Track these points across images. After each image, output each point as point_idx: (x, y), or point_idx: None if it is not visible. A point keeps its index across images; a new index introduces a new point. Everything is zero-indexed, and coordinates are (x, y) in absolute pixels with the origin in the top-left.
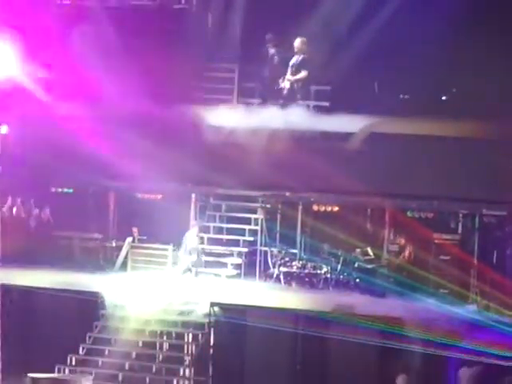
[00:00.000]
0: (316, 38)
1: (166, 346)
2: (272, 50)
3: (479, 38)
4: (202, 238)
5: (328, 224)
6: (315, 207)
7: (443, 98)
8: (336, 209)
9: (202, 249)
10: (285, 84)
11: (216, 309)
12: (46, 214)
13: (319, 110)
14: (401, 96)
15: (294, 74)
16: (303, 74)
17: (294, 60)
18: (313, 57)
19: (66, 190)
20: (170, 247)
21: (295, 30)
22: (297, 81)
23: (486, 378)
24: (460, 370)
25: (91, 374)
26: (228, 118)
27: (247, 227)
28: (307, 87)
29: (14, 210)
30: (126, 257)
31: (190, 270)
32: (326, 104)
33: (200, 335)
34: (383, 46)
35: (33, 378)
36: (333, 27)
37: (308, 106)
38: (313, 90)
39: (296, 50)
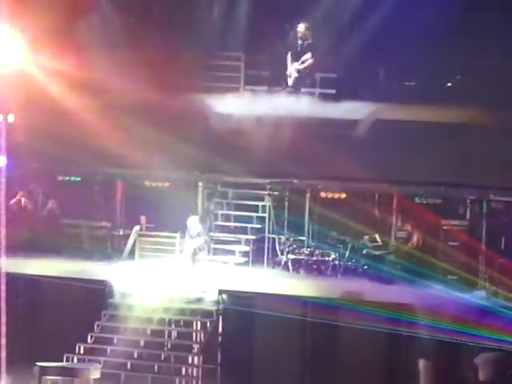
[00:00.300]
0: (321, 24)
1: (174, 333)
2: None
3: (482, 23)
4: (205, 222)
5: (336, 211)
6: (323, 194)
7: (448, 84)
8: (344, 196)
9: (207, 233)
10: (291, 72)
11: (224, 296)
12: (54, 203)
13: (325, 97)
14: (406, 83)
15: (298, 60)
16: (309, 60)
17: (299, 47)
18: (317, 43)
19: (73, 178)
20: (178, 235)
21: (300, 17)
22: (303, 68)
23: (497, 364)
24: (476, 358)
25: (99, 362)
26: (234, 105)
27: (255, 214)
28: (313, 74)
29: (22, 199)
30: (133, 245)
31: (196, 254)
32: (333, 91)
33: (208, 323)
34: (388, 32)
35: (41, 367)
36: (337, 13)
37: (314, 94)
38: (318, 77)
39: (300, 35)
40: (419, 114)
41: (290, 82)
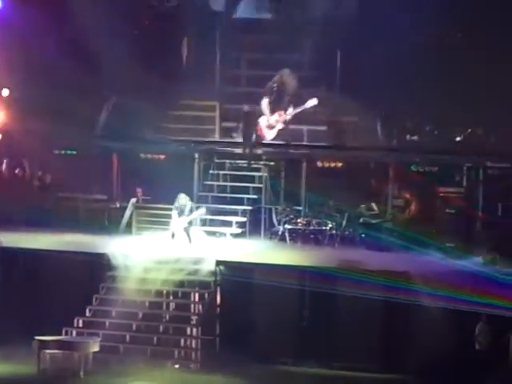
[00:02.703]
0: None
1: (172, 305)
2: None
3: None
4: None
5: (332, 180)
6: (319, 163)
7: None
8: (340, 165)
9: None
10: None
11: (222, 267)
12: (50, 176)
13: None
14: None
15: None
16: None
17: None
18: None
19: (69, 151)
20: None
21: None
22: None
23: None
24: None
25: (98, 335)
26: None
27: (251, 185)
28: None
29: (18, 172)
30: (130, 217)
31: (189, 230)
32: None
33: (206, 294)
34: None
35: (40, 341)
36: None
37: None
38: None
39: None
40: None
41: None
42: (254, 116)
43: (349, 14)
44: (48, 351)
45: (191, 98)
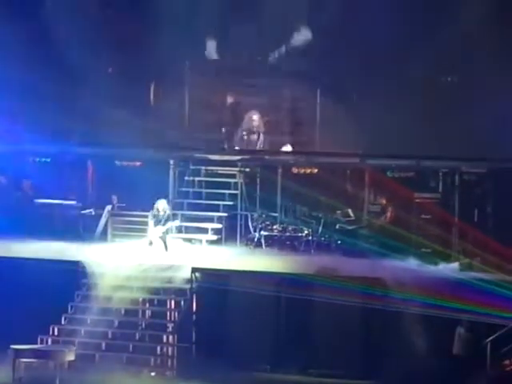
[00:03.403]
0: None
1: (148, 313)
2: None
3: None
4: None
5: (308, 186)
6: (295, 170)
7: None
8: (315, 171)
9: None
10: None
11: (198, 274)
12: (24, 184)
13: None
14: None
15: None
16: None
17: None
18: None
19: (43, 159)
20: (150, 214)
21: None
22: None
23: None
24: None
25: (74, 344)
26: None
27: (227, 192)
28: None
29: None
30: (105, 225)
31: (166, 238)
32: None
33: (182, 301)
34: None
35: (15, 350)
36: None
37: None
38: None
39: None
40: None
41: None
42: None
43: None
44: (23, 360)
45: None
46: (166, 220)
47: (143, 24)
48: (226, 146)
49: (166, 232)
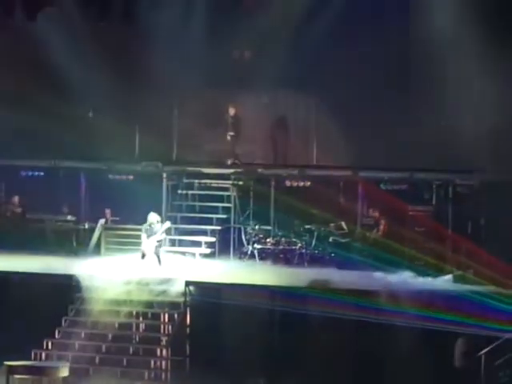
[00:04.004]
0: None
1: (142, 326)
2: None
3: None
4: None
5: (301, 199)
6: (288, 183)
7: None
8: (309, 184)
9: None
10: None
11: (191, 288)
12: (17, 198)
13: None
14: None
15: None
16: None
17: None
18: None
19: (36, 173)
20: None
21: None
22: None
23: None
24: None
25: (68, 358)
26: None
27: (220, 205)
28: None
29: None
30: (99, 238)
31: (158, 251)
32: None
33: (176, 315)
34: None
35: (9, 366)
36: None
37: None
38: None
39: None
40: None
41: None
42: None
43: None
44: (17, 376)
45: None
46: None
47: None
48: (229, 161)
49: (160, 244)
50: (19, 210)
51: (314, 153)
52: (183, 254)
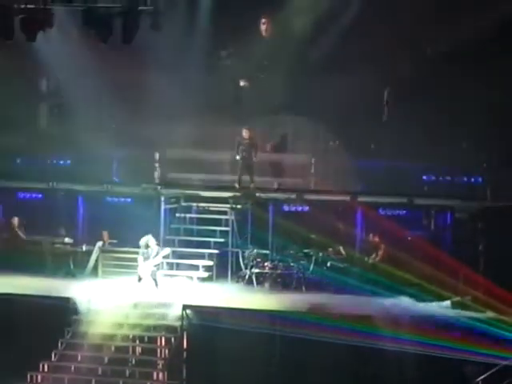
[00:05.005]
0: None
1: (138, 349)
2: None
3: None
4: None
5: (299, 224)
6: (286, 207)
7: None
8: (307, 208)
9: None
10: None
11: (188, 311)
12: (17, 220)
13: None
14: None
15: None
16: None
17: None
18: None
19: (34, 195)
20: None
21: None
22: None
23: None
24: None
25: (64, 382)
26: None
27: (218, 228)
28: None
29: None
30: (96, 261)
31: (155, 274)
32: None
33: (173, 338)
34: None
35: None
36: None
37: None
38: None
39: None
40: None
41: None
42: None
43: None
44: None
45: None
46: (156, 254)
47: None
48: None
49: (157, 267)
50: (18, 231)
51: (312, 177)
52: (181, 277)
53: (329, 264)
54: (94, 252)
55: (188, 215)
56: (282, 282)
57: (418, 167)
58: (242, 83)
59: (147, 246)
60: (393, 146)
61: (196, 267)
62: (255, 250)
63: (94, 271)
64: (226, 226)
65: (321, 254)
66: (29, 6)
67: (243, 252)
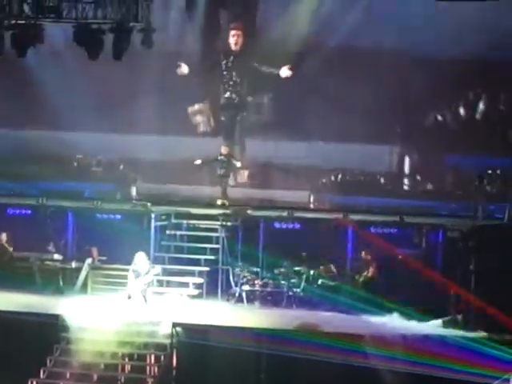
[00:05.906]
0: None
1: (127, 367)
2: None
3: None
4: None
5: (290, 241)
6: (277, 224)
7: None
8: (298, 226)
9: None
10: None
11: (178, 329)
12: (5, 235)
13: None
14: None
15: None
16: None
17: None
18: None
19: (23, 211)
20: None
21: None
22: None
23: None
24: None
25: None
26: None
27: (208, 246)
28: None
29: None
30: (85, 278)
31: (145, 292)
32: None
33: (162, 356)
34: None
35: None
36: None
37: None
38: None
39: None
40: None
41: None
42: None
43: None
44: None
45: None
46: (147, 273)
47: None
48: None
49: (148, 285)
50: (7, 247)
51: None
52: (171, 294)
53: (320, 282)
54: (84, 269)
55: (178, 232)
56: (273, 299)
57: None
58: None
59: (137, 263)
60: None
61: (186, 284)
62: (245, 268)
63: (84, 288)
64: (217, 243)
65: (312, 272)
66: (19, 22)
67: (233, 269)
